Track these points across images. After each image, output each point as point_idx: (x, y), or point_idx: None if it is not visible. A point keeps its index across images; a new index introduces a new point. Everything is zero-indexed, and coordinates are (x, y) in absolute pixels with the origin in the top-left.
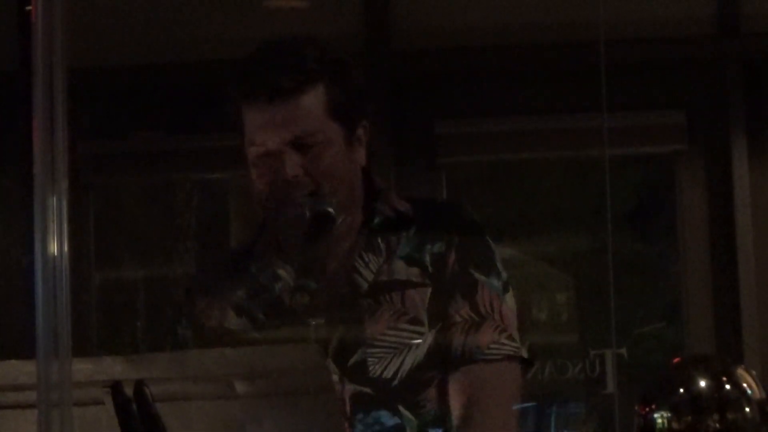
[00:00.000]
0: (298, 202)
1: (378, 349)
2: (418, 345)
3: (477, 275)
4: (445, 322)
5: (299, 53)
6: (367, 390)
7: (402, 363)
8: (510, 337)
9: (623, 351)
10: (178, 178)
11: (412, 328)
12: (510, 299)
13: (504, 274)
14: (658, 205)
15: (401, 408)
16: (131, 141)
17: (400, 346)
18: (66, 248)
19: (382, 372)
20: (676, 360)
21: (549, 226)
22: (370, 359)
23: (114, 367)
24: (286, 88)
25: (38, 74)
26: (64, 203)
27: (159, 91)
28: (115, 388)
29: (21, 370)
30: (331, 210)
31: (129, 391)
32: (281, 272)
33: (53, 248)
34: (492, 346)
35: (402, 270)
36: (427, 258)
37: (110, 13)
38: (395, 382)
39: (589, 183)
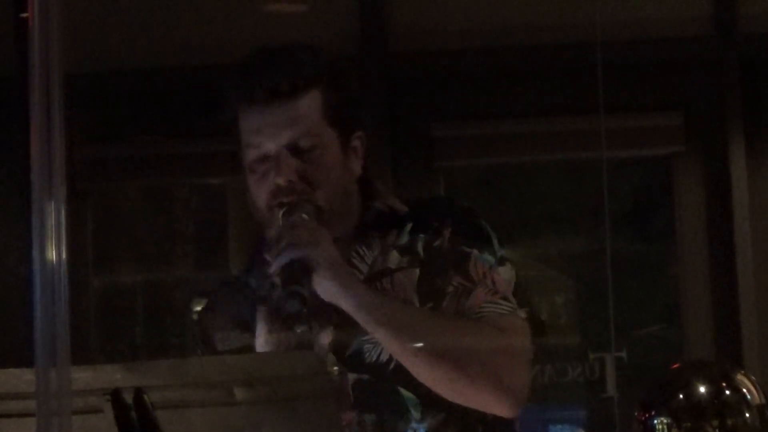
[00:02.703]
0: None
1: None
2: None
3: (468, 249)
4: (438, 295)
5: (296, 58)
6: (366, 376)
7: None
8: (504, 298)
9: (623, 354)
10: (176, 182)
11: None
12: (506, 272)
13: (500, 252)
14: (656, 206)
15: (401, 389)
16: (129, 146)
17: None
18: (64, 254)
19: (377, 357)
20: (675, 365)
21: (547, 228)
22: (366, 346)
23: (113, 375)
24: (283, 90)
25: (35, 79)
26: (62, 209)
27: (157, 96)
28: (115, 395)
29: (20, 378)
30: (305, 215)
31: (128, 398)
32: (276, 280)
33: (51, 254)
34: (484, 305)
35: (395, 259)
36: (419, 245)
37: (108, 17)
38: (392, 365)
39: (586, 185)
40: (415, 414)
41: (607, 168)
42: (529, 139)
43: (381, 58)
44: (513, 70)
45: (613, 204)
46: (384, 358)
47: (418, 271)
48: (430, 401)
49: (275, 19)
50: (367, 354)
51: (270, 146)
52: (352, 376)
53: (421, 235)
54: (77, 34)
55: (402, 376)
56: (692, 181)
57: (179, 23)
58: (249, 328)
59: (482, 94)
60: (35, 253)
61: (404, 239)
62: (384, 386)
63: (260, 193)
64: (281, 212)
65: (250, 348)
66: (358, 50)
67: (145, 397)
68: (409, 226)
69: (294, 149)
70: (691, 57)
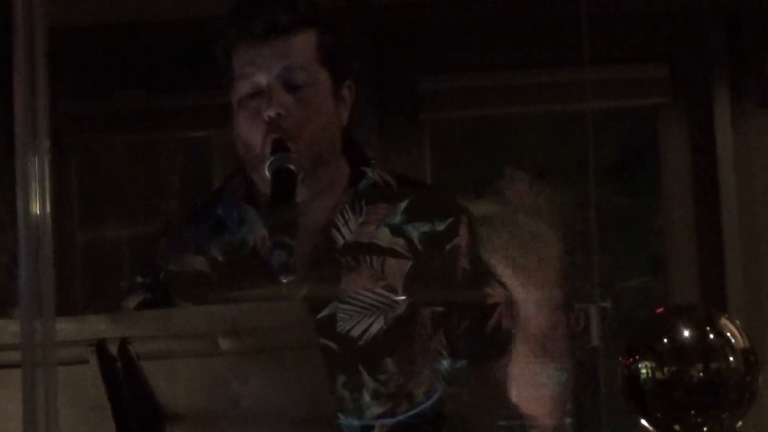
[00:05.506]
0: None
1: (350, 306)
2: (389, 311)
3: (489, 267)
4: (485, 300)
5: None
6: (332, 345)
7: (370, 325)
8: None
9: (607, 305)
10: (161, 136)
11: (387, 294)
12: None
13: None
14: (642, 158)
15: (361, 368)
16: (113, 100)
17: (372, 308)
18: (48, 207)
19: (350, 329)
20: (659, 310)
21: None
22: (340, 314)
23: (98, 326)
24: (280, 25)
25: (18, 34)
26: (46, 162)
27: (141, 50)
28: (100, 346)
29: (4, 329)
30: (292, 166)
31: (113, 349)
32: (246, 216)
33: (35, 208)
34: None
35: (386, 237)
36: (415, 234)
37: None
38: (360, 342)
39: (571, 137)
40: (367, 397)
41: (593, 121)
42: (514, 92)
43: (366, 11)
44: (498, 22)
45: (598, 156)
46: (355, 332)
47: (410, 263)
48: (384, 389)
49: None
50: (340, 323)
51: (262, 78)
52: None
53: (418, 223)
54: None
55: (366, 357)
56: (677, 132)
57: None
58: (203, 253)
59: (468, 46)
60: (19, 205)
61: (396, 218)
62: (346, 360)
63: (250, 130)
64: (267, 162)
65: (202, 274)
66: (343, 2)
67: (130, 347)
68: (403, 205)
69: (287, 83)
70: (676, 8)
